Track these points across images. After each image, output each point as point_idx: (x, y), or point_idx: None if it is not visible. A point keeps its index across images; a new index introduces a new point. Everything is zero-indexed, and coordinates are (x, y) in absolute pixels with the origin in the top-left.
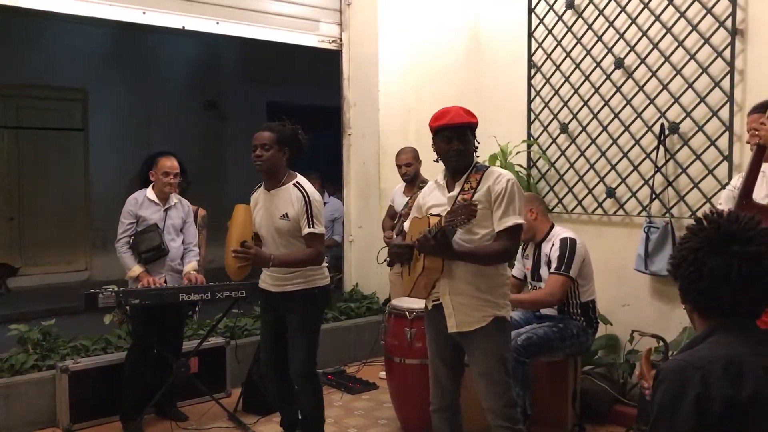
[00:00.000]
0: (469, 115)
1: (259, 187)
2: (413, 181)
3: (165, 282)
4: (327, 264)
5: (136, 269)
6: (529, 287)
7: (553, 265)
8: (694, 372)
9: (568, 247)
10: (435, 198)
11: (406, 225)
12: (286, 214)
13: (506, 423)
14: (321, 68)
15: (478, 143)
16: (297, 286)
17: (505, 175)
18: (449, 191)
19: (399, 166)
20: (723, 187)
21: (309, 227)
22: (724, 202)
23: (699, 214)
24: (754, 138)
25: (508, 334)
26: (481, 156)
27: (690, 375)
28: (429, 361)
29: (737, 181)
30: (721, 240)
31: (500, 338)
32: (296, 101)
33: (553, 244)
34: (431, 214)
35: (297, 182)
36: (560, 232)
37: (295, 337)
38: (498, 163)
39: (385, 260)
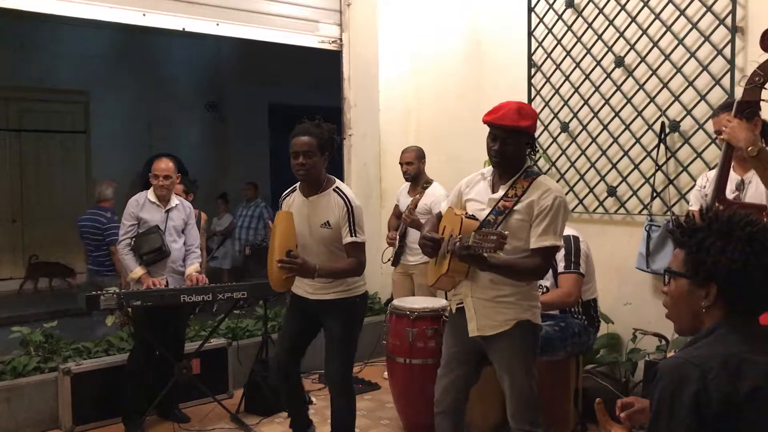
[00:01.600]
0: (522, 117)
1: (293, 191)
2: (416, 181)
3: (167, 284)
4: None
5: (138, 271)
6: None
7: (561, 264)
8: (693, 369)
9: (573, 245)
10: (477, 193)
11: (444, 207)
12: (328, 222)
13: (526, 427)
14: (322, 69)
15: (535, 151)
16: (338, 294)
17: (553, 191)
18: (493, 191)
19: (401, 164)
20: None
21: (351, 236)
22: (694, 202)
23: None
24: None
25: (533, 338)
26: (482, 156)
27: (688, 372)
28: (443, 362)
29: (704, 181)
30: (727, 230)
31: (524, 343)
32: (297, 102)
33: (562, 246)
34: (465, 215)
35: (337, 188)
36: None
37: (334, 347)
38: None
39: (388, 260)
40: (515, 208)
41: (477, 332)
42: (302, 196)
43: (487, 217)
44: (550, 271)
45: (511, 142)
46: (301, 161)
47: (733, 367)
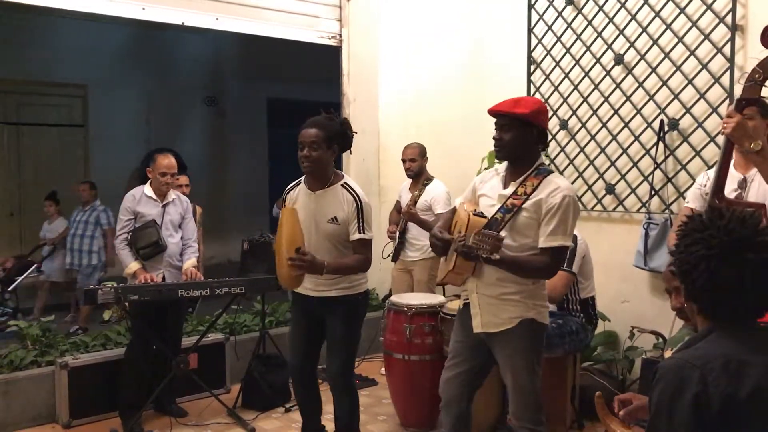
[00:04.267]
0: (518, 105)
1: (297, 185)
2: (417, 178)
3: (163, 278)
4: None
5: (133, 266)
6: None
7: None
8: (693, 370)
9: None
10: (489, 188)
11: (458, 201)
12: (335, 217)
13: (529, 425)
14: (322, 64)
15: (545, 146)
16: (340, 291)
17: (562, 188)
18: (504, 187)
19: (404, 161)
20: None
21: (360, 233)
22: (692, 200)
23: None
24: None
25: (538, 337)
26: (481, 153)
27: (688, 373)
28: (450, 356)
29: (704, 179)
30: (734, 247)
31: (528, 341)
32: (297, 97)
33: (571, 246)
34: (474, 212)
35: (345, 183)
36: None
37: (336, 344)
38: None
39: (388, 256)
40: (524, 206)
41: (481, 328)
42: (308, 190)
43: (494, 215)
44: None
45: (509, 130)
46: (306, 153)
47: (733, 368)
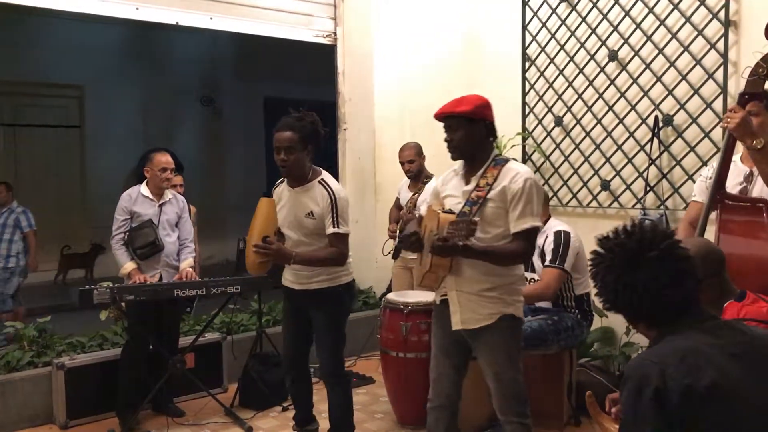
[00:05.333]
0: (459, 104)
1: (282, 182)
2: (417, 177)
3: (160, 278)
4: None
5: (128, 266)
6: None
7: (548, 258)
8: (653, 367)
9: (563, 241)
10: (452, 188)
11: (423, 208)
12: (312, 212)
13: (514, 418)
14: (318, 63)
15: (495, 137)
16: (321, 284)
17: (522, 174)
18: (466, 183)
19: (402, 163)
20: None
21: (333, 227)
22: (698, 193)
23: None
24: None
25: (517, 332)
26: None
27: (648, 370)
28: (432, 356)
29: (709, 172)
30: (633, 256)
31: (509, 336)
32: (293, 97)
33: (546, 237)
34: (443, 210)
35: (322, 179)
36: (554, 224)
37: (322, 337)
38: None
39: (389, 253)
40: (488, 196)
41: (461, 326)
42: (289, 188)
43: (462, 209)
44: (540, 266)
45: (457, 129)
46: (282, 157)
47: (691, 360)
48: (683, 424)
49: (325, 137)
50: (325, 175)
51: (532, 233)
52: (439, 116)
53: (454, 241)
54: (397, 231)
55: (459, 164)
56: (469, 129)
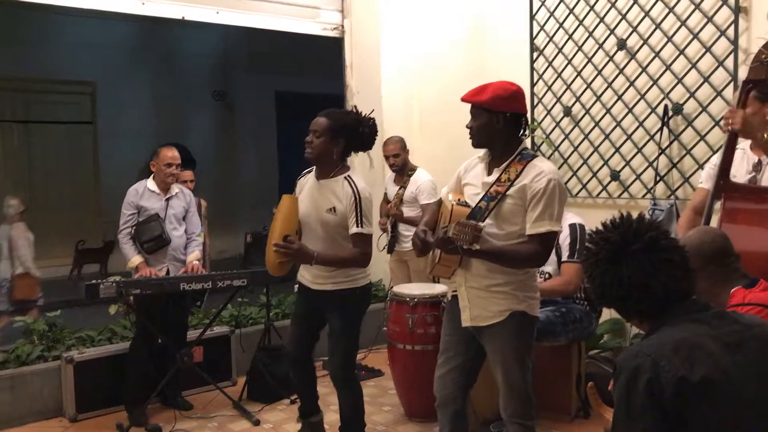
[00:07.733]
0: (480, 93)
1: (309, 172)
2: (402, 171)
3: (168, 272)
4: None
5: (135, 260)
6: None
7: (566, 253)
8: (645, 358)
9: (579, 234)
10: (473, 176)
11: (444, 192)
12: (334, 208)
13: (516, 419)
14: (328, 57)
15: (525, 130)
16: (339, 285)
17: (546, 173)
18: (488, 174)
19: (386, 157)
20: None
21: (357, 227)
22: (706, 180)
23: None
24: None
25: (528, 330)
26: None
27: (641, 361)
28: (441, 350)
29: (717, 158)
30: (617, 250)
31: (518, 335)
32: (304, 90)
33: (561, 230)
34: (457, 202)
35: (349, 176)
36: (567, 217)
37: (335, 339)
38: None
39: (384, 248)
40: (508, 192)
41: (470, 322)
42: (314, 179)
43: (478, 203)
44: (554, 256)
45: (475, 118)
46: (308, 139)
47: (685, 351)
48: (677, 415)
49: (365, 140)
50: (353, 173)
51: (549, 238)
52: (464, 101)
53: (457, 245)
54: (389, 226)
55: (484, 152)
56: (486, 119)
